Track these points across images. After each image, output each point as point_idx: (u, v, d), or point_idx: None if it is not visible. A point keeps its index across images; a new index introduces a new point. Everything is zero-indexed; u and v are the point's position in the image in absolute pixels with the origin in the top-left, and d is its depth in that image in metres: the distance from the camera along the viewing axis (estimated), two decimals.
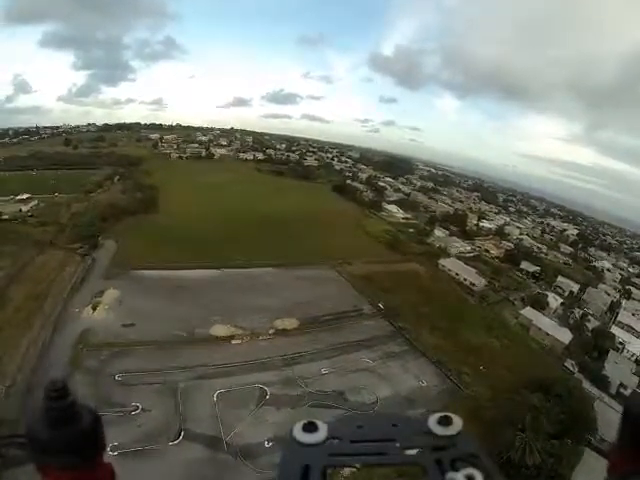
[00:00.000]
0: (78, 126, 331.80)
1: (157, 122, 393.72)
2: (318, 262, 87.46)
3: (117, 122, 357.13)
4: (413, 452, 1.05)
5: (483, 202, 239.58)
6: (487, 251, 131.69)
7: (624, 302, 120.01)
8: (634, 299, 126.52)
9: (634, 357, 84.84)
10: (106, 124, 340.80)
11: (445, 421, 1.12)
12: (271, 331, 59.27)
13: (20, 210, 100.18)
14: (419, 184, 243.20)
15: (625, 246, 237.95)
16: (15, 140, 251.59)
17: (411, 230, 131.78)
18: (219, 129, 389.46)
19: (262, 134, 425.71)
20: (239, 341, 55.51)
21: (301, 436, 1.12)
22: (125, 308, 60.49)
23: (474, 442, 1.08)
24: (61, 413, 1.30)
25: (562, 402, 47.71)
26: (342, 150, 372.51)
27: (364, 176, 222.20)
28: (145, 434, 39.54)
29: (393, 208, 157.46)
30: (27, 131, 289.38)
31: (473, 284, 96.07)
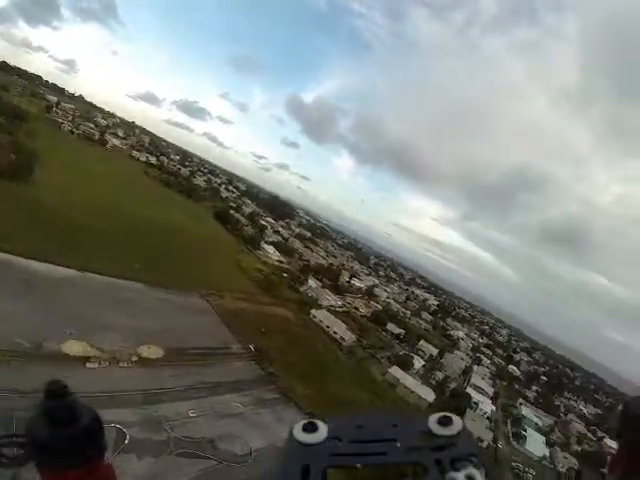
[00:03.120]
0: None
1: (60, 84, 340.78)
2: (188, 287, 79.90)
3: (17, 66, 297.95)
4: (413, 452, 1.04)
5: (356, 261, 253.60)
6: (357, 309, 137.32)
7: (475, 367, 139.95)
8: (483, 365, 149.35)
9: (486, 415, 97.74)
10: (4, 62, 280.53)
11: (445, 421, 1.10)
12: (134, 358, 50.38)
13: None
14: (297, 231, 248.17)
15: (476, 319, 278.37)
16: None
17: (284, 275, 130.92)
18: (120, 118, 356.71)
19: (160, 139, 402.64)
20: (95, 365, 45.58)
21: (301, 436, 1.09)
22: None
23: (474, 442, 1.06)
24: (61, 413, 1.30)
25: None
26: (231, 179, 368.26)
27: (248, 210, 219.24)
28: None
29: (270, 249, 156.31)
30: None
31: (343, 338, 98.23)
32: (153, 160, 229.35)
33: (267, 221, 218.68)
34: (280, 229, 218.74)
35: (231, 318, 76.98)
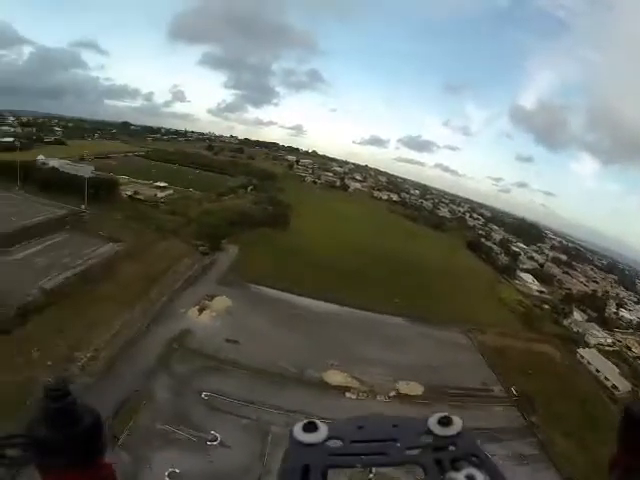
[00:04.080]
0: (221, 136, 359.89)
1: (294, 146, 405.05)
2: (448, 322, 77.39)
3: (257, 139, 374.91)
4: (413, 452, 1.05)
5: (621, 286, 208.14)
6: (628, 348, 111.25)
7: None
8: None
9: None
10: (247, 139, 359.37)
11: (445, 421, 1.11)
12: (392, 393, 51.13)
13: (155, 195, 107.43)
14: (551, 254, 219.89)
15: None
16: (165, 137, 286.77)
17: (546, 306, 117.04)
18: (353, 163, 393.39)
19: (395, 177, 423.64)
20: (354, 396, 48.21)
21: (301, 436, 1.10)
22: (233, 321, 56.78)
23: (474, 442, 1.07)
24: (62, 413, 1.30)
25: None
26: (473, 206, 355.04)
27: (498, 237, 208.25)
28: (214, 473, 33.52)
29: (528, 278, 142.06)
30: (177, 132, 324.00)
31: (615, 387, 79.46)
32: (395, 197, 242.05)
33: (518, 247, 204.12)
34: (534, 254, 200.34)
35: (493, 356, 71.70)
